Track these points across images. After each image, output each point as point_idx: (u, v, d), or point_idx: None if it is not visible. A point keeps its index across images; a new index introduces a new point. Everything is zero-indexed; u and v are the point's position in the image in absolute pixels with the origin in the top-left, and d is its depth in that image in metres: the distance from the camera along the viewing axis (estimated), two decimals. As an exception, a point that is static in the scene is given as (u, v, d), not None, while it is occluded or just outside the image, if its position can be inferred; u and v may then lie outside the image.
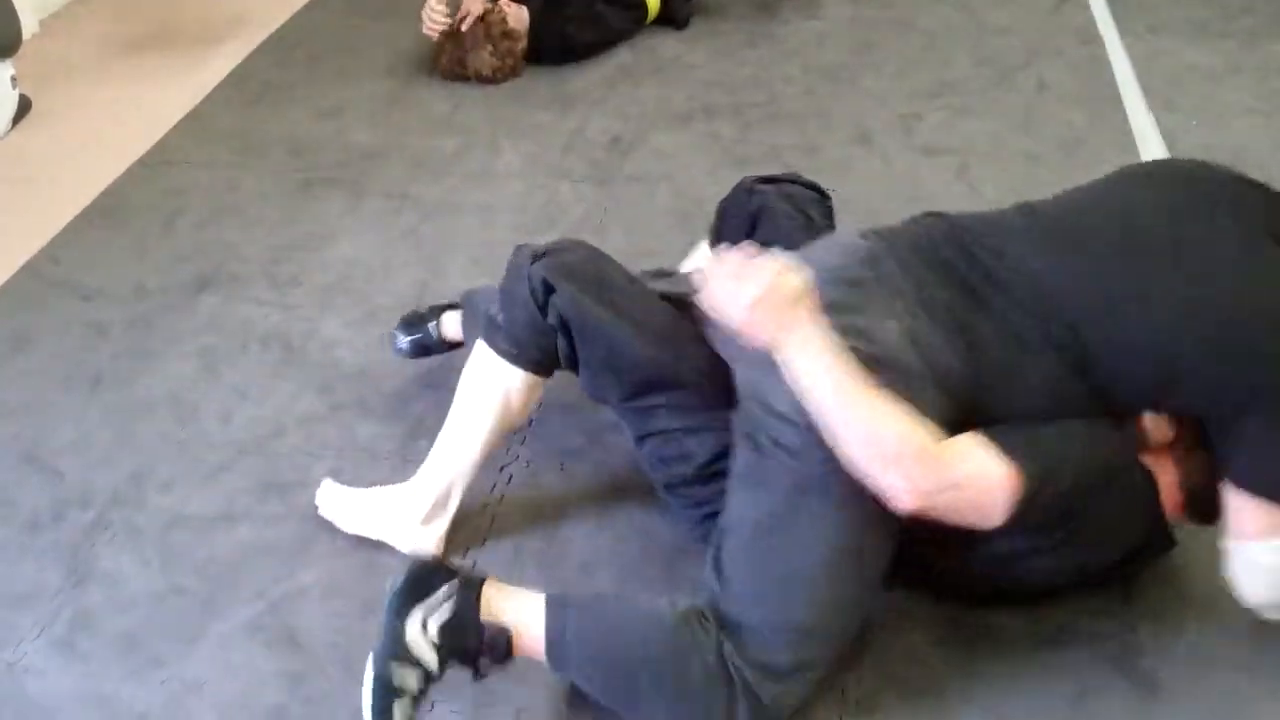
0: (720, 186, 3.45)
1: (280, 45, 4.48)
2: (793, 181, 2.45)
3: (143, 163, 3.68)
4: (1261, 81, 4.13)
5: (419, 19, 4.15)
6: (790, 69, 4.24)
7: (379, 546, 2.26)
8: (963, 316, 1.89)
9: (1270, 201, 1.94)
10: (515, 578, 2.20)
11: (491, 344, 2.16)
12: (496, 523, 2.34)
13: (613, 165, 3.64)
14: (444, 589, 1.84)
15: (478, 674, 1.85)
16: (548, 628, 1.86)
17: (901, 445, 1.74)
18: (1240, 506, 1.88)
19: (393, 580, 1.85)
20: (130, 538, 2.31)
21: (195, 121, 3.94)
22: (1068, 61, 4.25)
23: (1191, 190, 1.95)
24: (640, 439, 2.16)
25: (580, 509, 2.36)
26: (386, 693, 1.78)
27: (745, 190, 2.41)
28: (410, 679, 1.78)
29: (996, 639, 2.10)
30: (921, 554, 2.00)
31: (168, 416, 2.62)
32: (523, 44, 4.19)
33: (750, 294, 1.77)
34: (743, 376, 2.00)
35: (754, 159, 3.67)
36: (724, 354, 2.10)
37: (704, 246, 2.50)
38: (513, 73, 4.16)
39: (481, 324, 2.19)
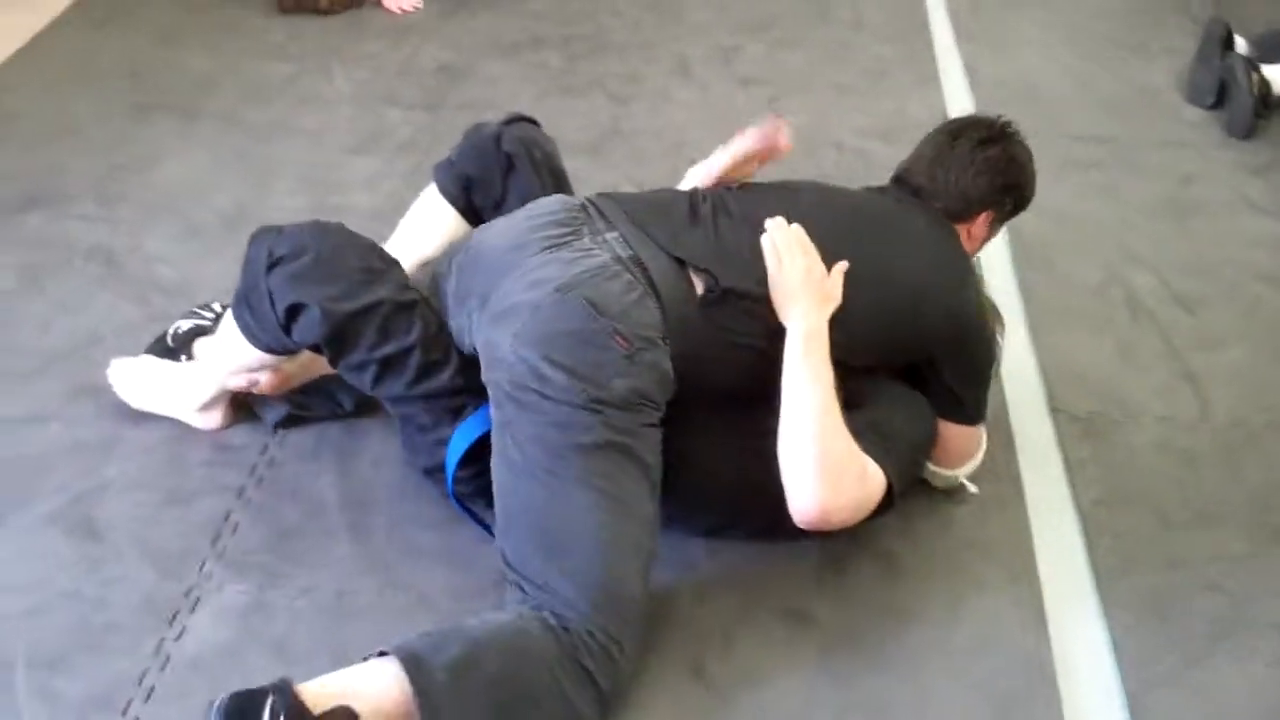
0: (544, 114, 3.54)
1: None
2: (522, 119, 2.49)
3: (-23, 87, 3.73)
4: (1065, 18, 4.38)
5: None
6: (620, 2, 4.39)
7: (183, 440, 2.39)
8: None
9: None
10: (315, 465, 2.37)
11: (243, 331, 2.16)
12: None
13: (442, 92, 3.77)
14: (266, 712, 1.66)
15: None
16: (415, 686, 1.71)
17: (847, 464, 1.93)
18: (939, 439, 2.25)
19: None
20: (-62, 437, 2.42)
21: (36, 47, 3.97)
22: (886, -1, 4.47)
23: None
24: (397, 416, 2.23)
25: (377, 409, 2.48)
26: None
27: (493, 140, 2.41)
28: None
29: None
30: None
31: (-15, 327, 2.71)
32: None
33: (812, 267, 2.05)
34: (486, 341, 2.02)
35: (578, 88, 3.82)
36: (457, 324, 2.13)
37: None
38: (353, 3, 4.25)
39: (233, 300, 2.18)
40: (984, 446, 2.33)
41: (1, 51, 3.91)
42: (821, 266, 2.08)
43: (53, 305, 2.77)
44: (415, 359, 2.09)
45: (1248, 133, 3.61)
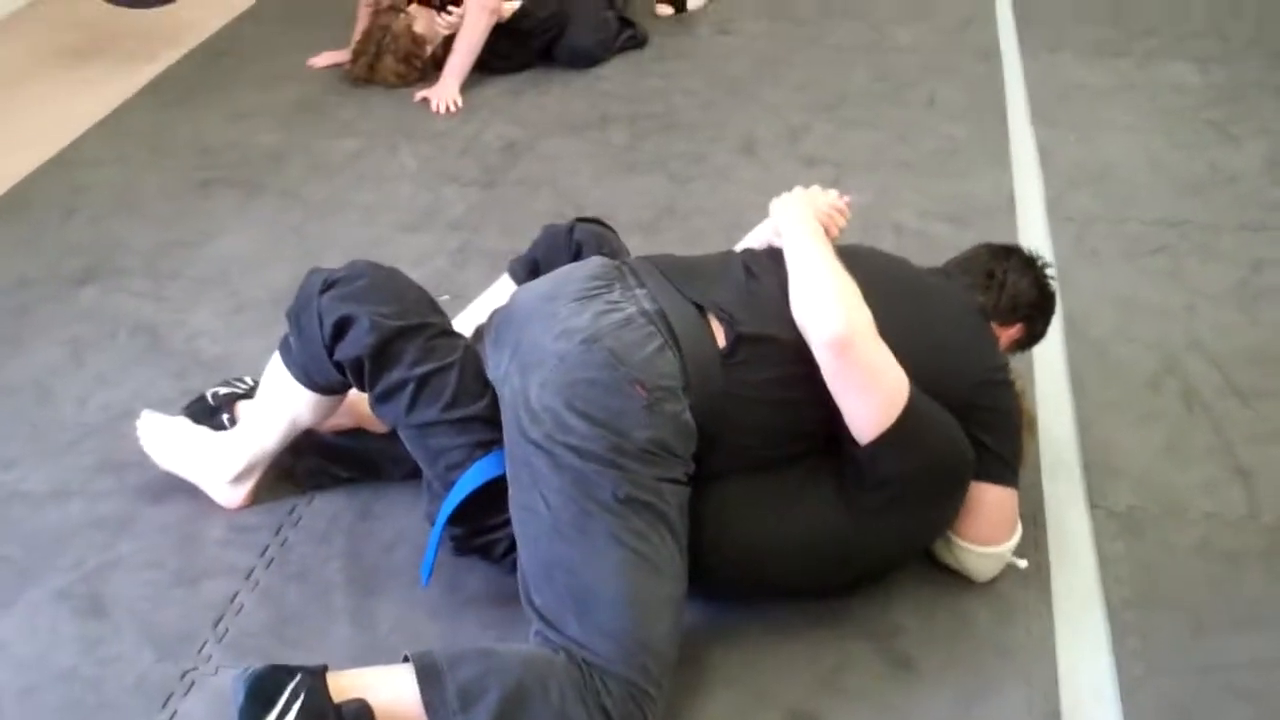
0: (602, 191, 3.64)
1: (206, 53, 4.67)
2: (597, 222, 2.61)
3: (55, 161, 3.84)
4: (1150, 100, 4.26)
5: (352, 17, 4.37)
6: (693, 82, 4.39)
7: (200, 519, 2.41)
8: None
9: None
10: (326, 549, 2.36)
11: (285, 362, 2.26)
12: (314, 497, 2.49)
13: (502, 169, 3.79)
14: (288, 690, 1.79)
15: None
16: (424, 699, 1.81)
17: (857, 302, 2.03)
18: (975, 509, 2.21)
19: (234, 699, 1.81)
20: (-36, 511, 2.46)
21: (113, 123, 4.11)
22: (963, 78, 4.40)
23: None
24: (424, 458, 2.19)
25: (395, 489, 2.48)
26: None
27: (566, 230, 2.55)
28: None
29: (764, 616, 2.22)
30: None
31: (27, 399, 2.75)
32: (430, 49, 4.34)
33: (814, 193, 2.35)
34: (514, 390, 2.04)
35: (640, 166, 3.81)
36: (493, 375, 2.14)
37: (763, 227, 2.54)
38: (420, 79, 4.31)
39: (281, 340, 2.27)
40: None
41: (79, 126, 4.04)
42: (823, 194, 2.33)
43: (92, 379, 2.82)
44: (453, 380, 2.12)
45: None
